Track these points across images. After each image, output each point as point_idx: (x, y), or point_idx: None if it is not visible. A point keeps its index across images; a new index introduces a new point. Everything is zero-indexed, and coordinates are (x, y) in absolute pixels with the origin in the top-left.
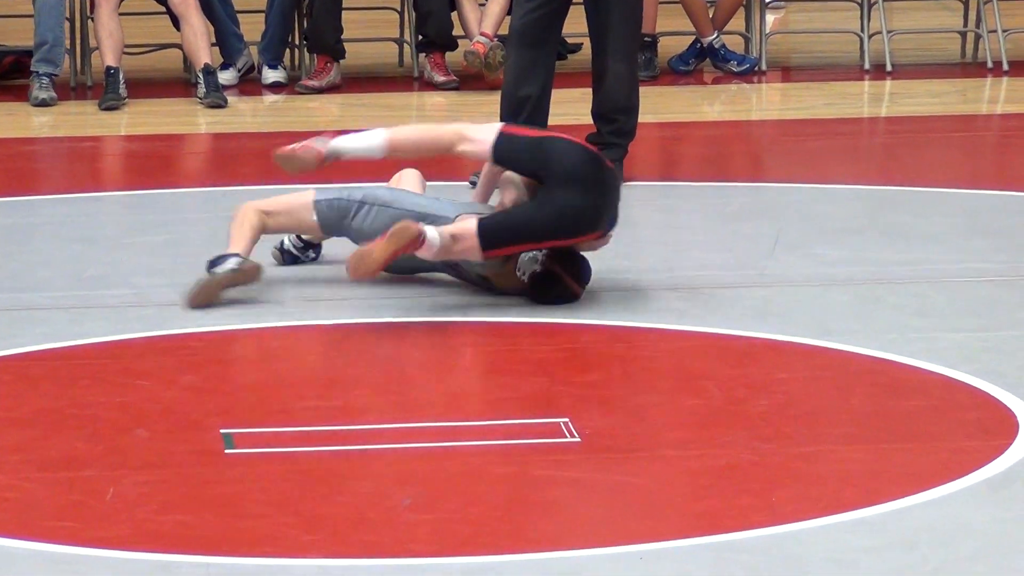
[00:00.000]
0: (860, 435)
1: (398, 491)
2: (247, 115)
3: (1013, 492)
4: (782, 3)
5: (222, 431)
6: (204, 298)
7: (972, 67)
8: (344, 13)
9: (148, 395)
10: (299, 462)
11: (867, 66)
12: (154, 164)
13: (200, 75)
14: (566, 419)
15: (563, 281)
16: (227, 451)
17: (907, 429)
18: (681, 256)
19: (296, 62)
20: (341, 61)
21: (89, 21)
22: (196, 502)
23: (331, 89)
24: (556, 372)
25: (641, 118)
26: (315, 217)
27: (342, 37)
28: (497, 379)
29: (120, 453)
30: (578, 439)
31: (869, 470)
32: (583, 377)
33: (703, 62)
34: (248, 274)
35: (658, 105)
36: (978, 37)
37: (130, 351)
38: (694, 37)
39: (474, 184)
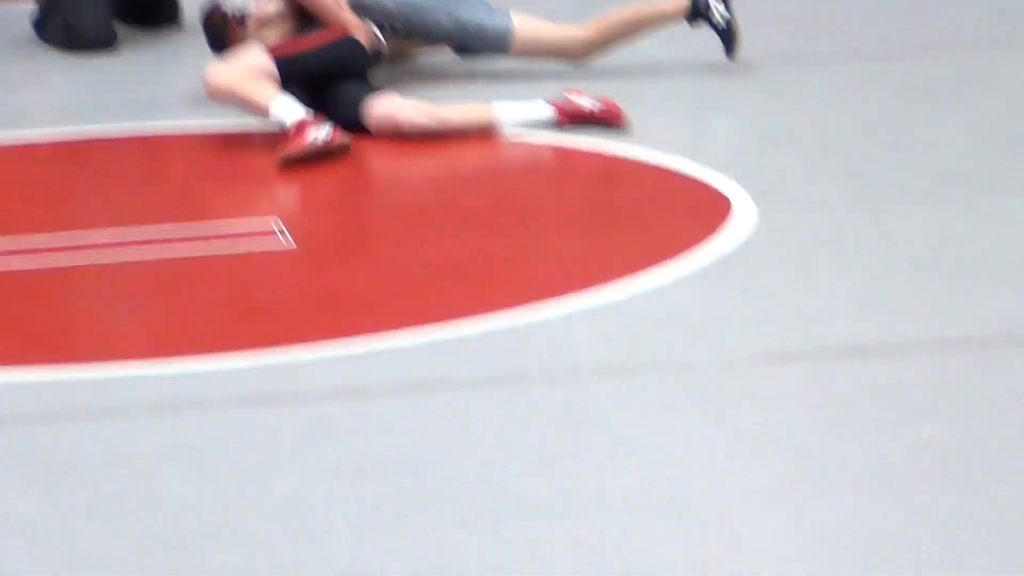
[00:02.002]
0: (575, 225)
1: (110, 300)
2: None
3: (730, 274)
4: None
5: None
6: None
7: None
8: None
9: None
10: (7, 276)
11: None
12: None
13: None
14: (277, 221)
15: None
16: None
17: (623, 217)
18: None
19: None
20: None
21: None
22: None
23: None
24: (267, 176)
25: None
26: None
27: None
28: (206, 185)
29: None
30: (291, 241)
31: (585, 259)
32: (293, 180)
33: None
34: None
35: None
36: None
37: None
38: None
39: None
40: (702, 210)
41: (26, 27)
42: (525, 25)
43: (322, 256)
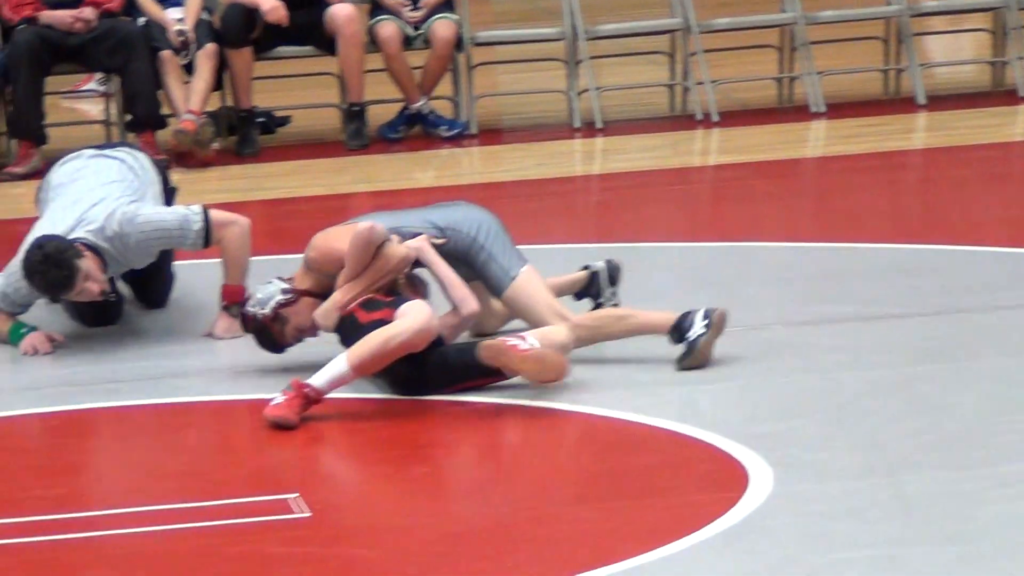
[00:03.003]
0: (591, 494)
1: None
2: None
3: (747, 544)
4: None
5: None
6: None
7: (682, 119)
8: (47, 98)
9: None
10: (27, 553)
11: (577, 124)
12: None
13: None
14: (296, 494)
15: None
16: None
17: (638, 486)
18: None
19: (3, 149)
20: (44, 146)
21: None
22: None
23: (35, 174)
24: (283, 447)
25: (354, 187)
26: None
27: (45, 122)
28: (224, 457)
29: None
30: (309, 514)
31: (602, 529)
32: (312, 451)
33: (413, 128)
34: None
35: (370, 174)
36: (686, 89)
37: None
38: (403, 104)
39: None
40: (718, 478)
41: None
42: (525, 285)
43: (339, 528)
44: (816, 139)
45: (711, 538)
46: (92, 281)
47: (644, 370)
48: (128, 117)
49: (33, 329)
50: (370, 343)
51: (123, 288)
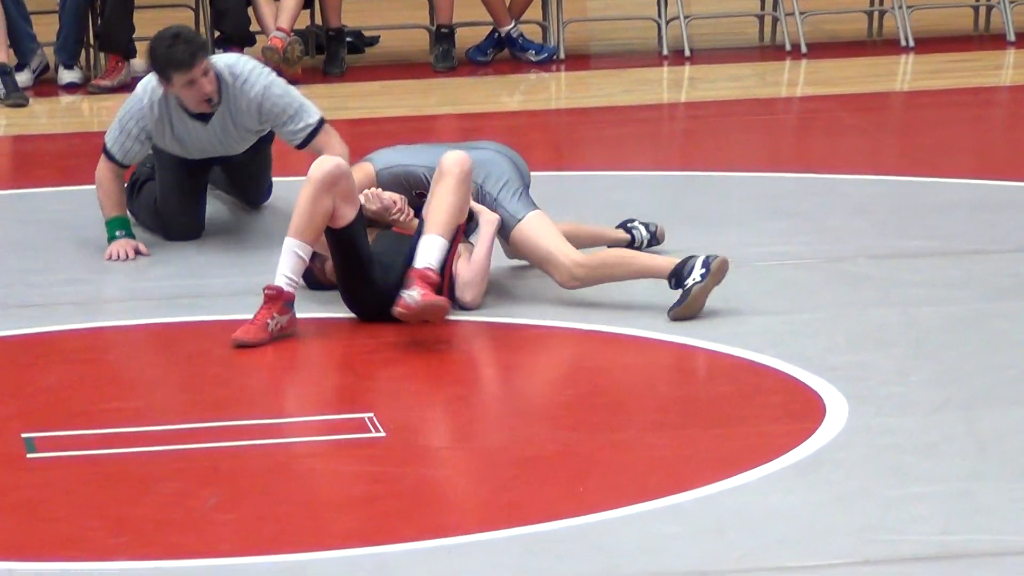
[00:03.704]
0: (666, 422)
1: (203, 491)
2: (43, 116)
3: (821, 475)
4: None
5: (24, 435)
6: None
7: (771, 50)
8: (137, 12)
9: None
10: (102, 464)
11: (665, 52)
12: None
13: None
14: (371, 414)
15: None
16: (29, 455)
17: (714, 414)
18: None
19: (92, 62)
20: (132, 60)
21: None
22: None
23: (123, 88)
24: (360, 367)
25: (440, 109)
26: None
27: (135, 36)
28: (301, 375)
29: None
30: (383, 434)
31: (676, 456)
32: (387, 371)
33: (501, 52)
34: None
35: (457, 96)
36: (776, 20)
37: None
38: (492, 27)
39: None
40: (794, 408)
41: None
42: (530, 226)
43: (412, 448)
44: (904, 73)
45: (784, 468)
46: (208, 80)
47: (721, 300)
48: (217, 34)
49: (129, 235)
50: (452, 199)
51: (216, 198)
